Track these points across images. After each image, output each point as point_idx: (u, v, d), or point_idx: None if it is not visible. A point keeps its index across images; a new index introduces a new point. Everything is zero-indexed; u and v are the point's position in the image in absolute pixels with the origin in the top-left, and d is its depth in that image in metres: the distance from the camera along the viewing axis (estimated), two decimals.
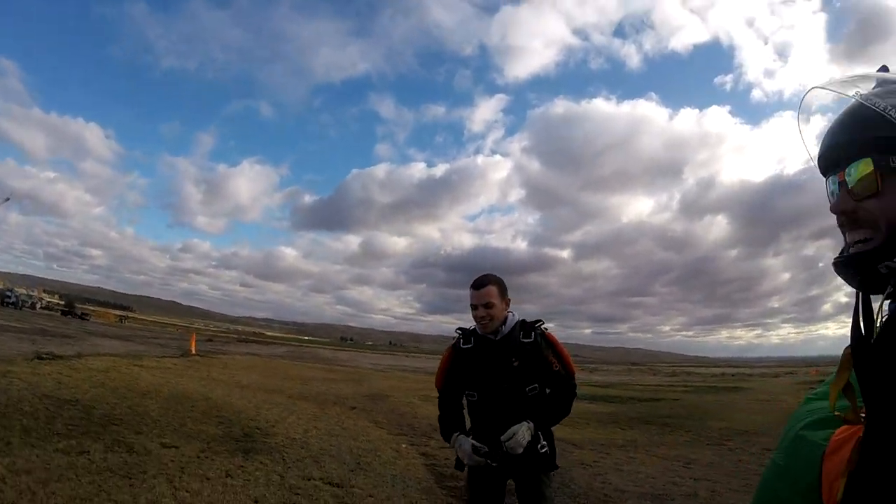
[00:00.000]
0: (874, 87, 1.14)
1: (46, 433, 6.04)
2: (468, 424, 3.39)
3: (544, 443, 3.23)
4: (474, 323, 3.37)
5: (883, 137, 1.07)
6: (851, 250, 1.13)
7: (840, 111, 1.20)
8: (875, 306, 1.11)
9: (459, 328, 3.50)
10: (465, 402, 3.42)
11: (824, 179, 1.26)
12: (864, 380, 1.07)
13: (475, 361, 3.30)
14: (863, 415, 1.07)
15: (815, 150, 1.28)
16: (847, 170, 1.13)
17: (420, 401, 14.94)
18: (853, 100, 1.15)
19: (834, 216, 1.15)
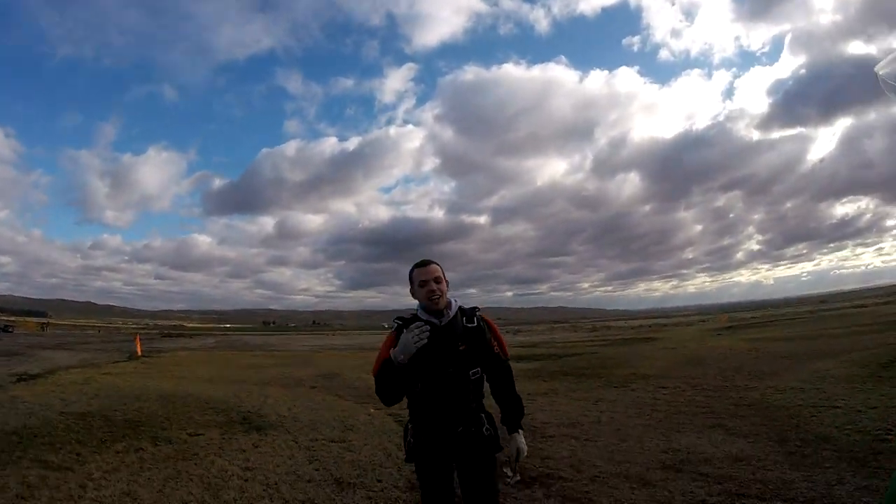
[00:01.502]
0: None
1: (97, 441, 7.15)
2: (410, 419, 3.33)
3: (489, 426, 3.25)
4: (419, 304, 3.30)
5: None
6: None
7: None
8: None
9: (398, 317, 3.34)
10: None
11: None
12: None
13: (421, 348, 3.10)
14: None
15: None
16: None
17: (367, 374, 16.38)
18: None
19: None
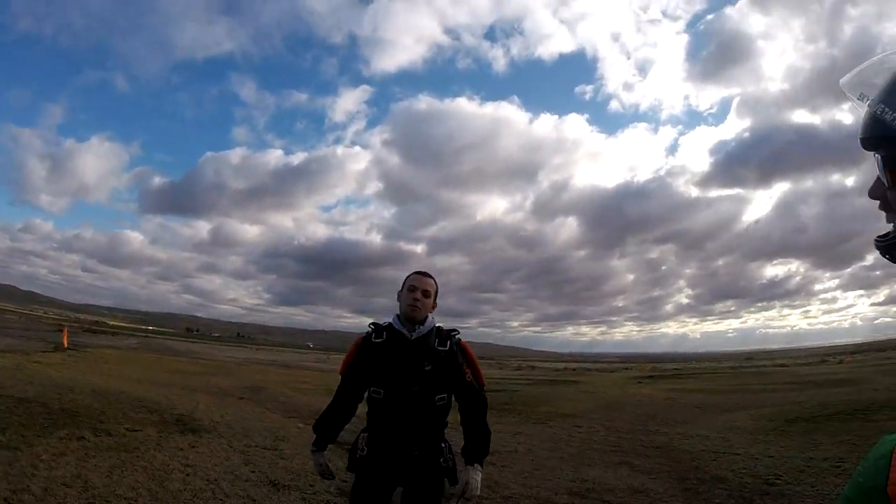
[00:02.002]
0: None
1: (39, 427, 7.39)
2: (366, 427, 3.19)
3: (448, 456, 3.15)
4: (397, 312, 3.23)
5: (884, 137, 1.07)
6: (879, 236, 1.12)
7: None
8: None
9: (373, 322, 3.28)
10: (366, 399, 3.20)
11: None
12: None
13: (385, 357, 3.08)
14: None
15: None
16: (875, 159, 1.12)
17: (293, 391, 16.79)
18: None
19: None
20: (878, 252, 1.10)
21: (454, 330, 3.25)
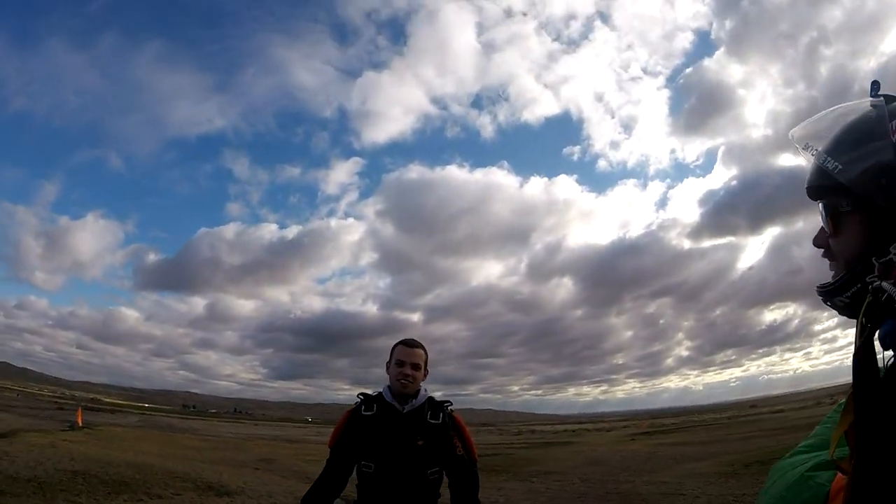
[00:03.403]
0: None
1: (103, 493, 9.12)
2: (354, 498, 3.20)
3: None
4: (388, 384, 3.21)
5: (826, 186, 1.14)
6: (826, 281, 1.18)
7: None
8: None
9: (362, 392, 3.26)
10: (356, 473, 3.17)
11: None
12: (860, 424, 1.06)
13: (376, 431, 3.05)
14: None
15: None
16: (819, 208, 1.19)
17: (302, 462, 18.25)
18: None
19: None
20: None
21: (447, 401, 3.22)
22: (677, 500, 10.29)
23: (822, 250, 1.20)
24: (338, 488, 3.16)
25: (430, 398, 3.22)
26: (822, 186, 1.16)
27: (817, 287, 1.18)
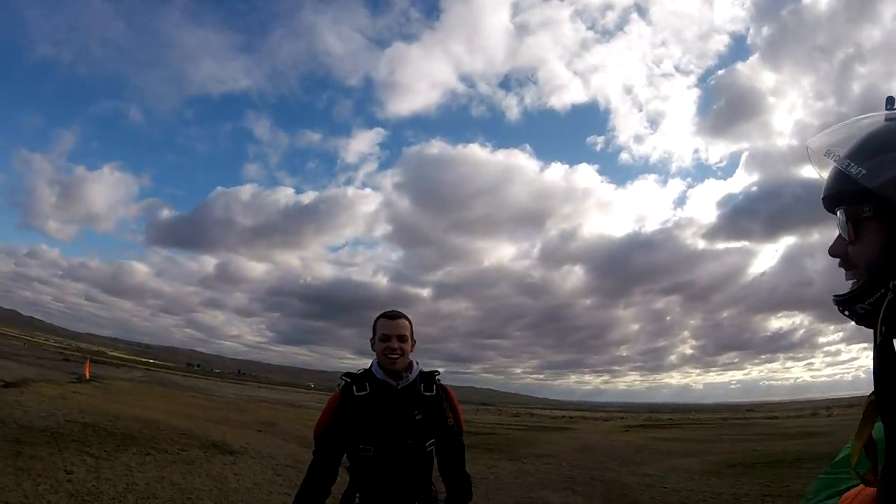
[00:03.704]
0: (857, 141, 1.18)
1: (113, 445, 9.46)
2: (354, 487, 3.04)
3: (439, 501, 3.04)
4: (376, 360, 3.04)
5: (848, 192, 1.15)
6: (843, 291, 1.17)
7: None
8: None
9: (346, 373, 3.06)
10: (348, 458, 3.02)
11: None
12: (890, 429, 1.06)
13: (372, 412, 2.89)
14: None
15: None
16: (838, 217, 1.18)
17: (302, 427, 18.69)
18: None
19: None
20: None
21: (435, 371, 3.13)
22: (657, 492, 10.59)
23: (839, 260, 1.18)
24: (330, 481, 2.98)
25: (421, 370, 3.08)
26: (842, 193, 1.17)
27: (836, 297, 1.17)
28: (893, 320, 1.11)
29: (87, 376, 27.67)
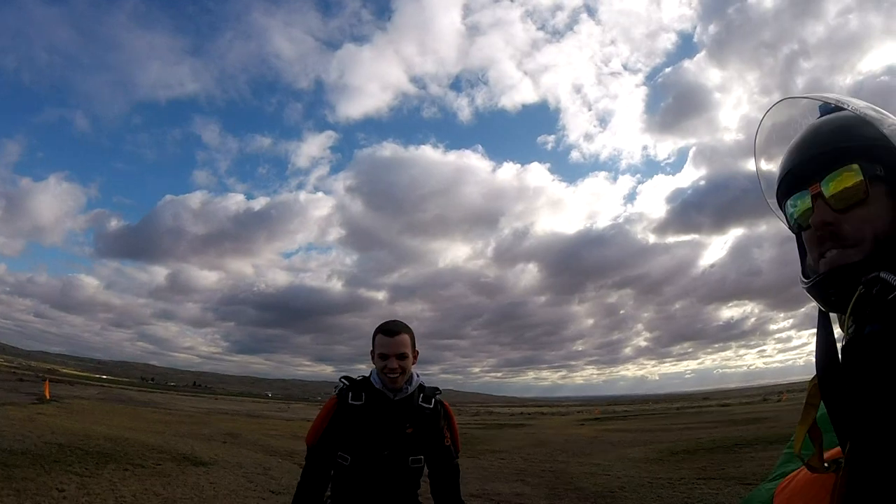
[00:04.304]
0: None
1: (93, 463, 10.17)
2: (333, 497, 2.92)
3: None
4: (371, 371, 2.93)
5: (858, 147, 1.04)
6: (826, 266, 1.05)
7: (803, 127, 1.14)
8: (836, 329, 1.05)
9: (345, 377, 2.94)
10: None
11: (775, 204, 1.20)
12: (835, 413, 0.99)
13: (364, 422, 2.77)
14: (831, 460, 1.00)
15: (768, 174, 1.21)
16: (824, 181, 1.06)
17: (266, 437, 19.42)
18: (821, 112, 1.14)
19: None
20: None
21: (437, 389, 3.03)
22: (601, 479, 11.75)
23: (823, 231, 1.07)
24: (324, 486, 2.92)
25: (421, 384, 2.98)
26: (850, 148, 1.06)
27: (831, 270, 1.05)
28: (863, 313, 1.01)
29: (48, 396, 27.82)
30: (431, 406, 2.94)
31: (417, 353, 2.97)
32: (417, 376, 2.97)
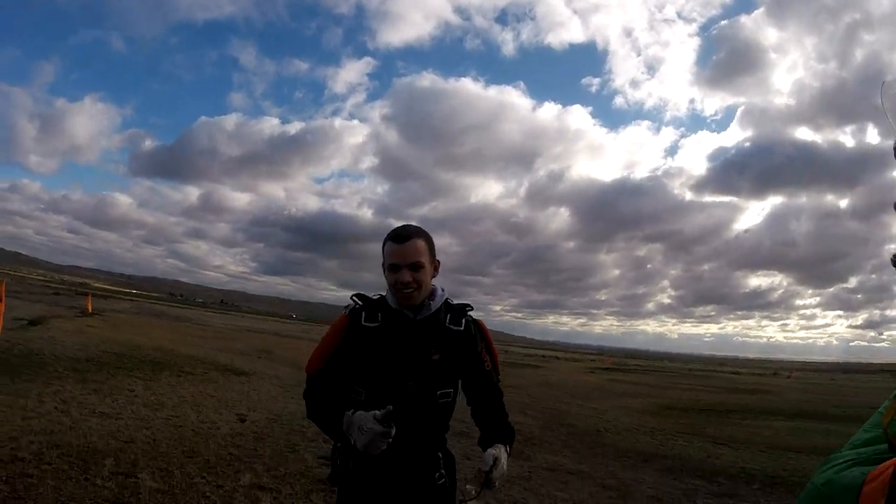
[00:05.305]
0: None
1: (148, 369, 11.53)
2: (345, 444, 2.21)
3: (443, 472, 2.33)
4: (387, 289, 2.29)
5: None
6: None
7: None
8: None
9: (357, 294, 2.32)
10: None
11: None
12: None
13: (380, 347, 2.19)
14: None
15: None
16: None
17: (298, 354, 20.82)
18: None
19: None
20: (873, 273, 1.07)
21: (467, 305, 2.42)
22: (592, 420, 12.83)
23: None
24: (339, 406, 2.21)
25: (447, 300, 2.38)
26: None
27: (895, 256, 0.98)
28: None
29: (90, 310, 29.55)
30: (462, 328, 2.35)
31: (438, 262, 2.37)
32: (442, 291, 2.38)
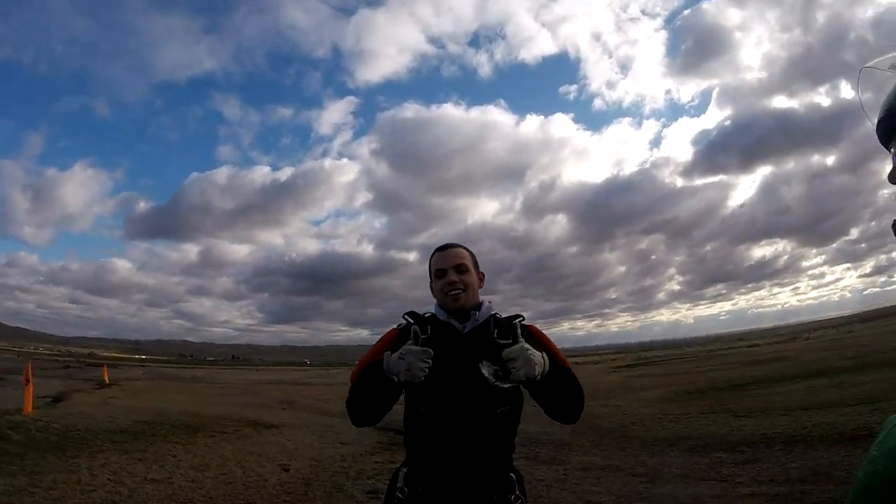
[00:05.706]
0: None
1: (182, 434, 11.77)
2: (407, 460, 2.29)
3: (518, 493, 2.21)
4: (435, 304, 2.38)
5: None
6: None
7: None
8: None
9: (410, 313, 2.36)
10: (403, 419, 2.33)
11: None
12: None
13: (433, 360, 2.11)
14: None
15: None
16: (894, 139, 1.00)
17: (321, 402, 21.10)
18: None
19: None
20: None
21: (517, 316, 2.33)
22: (616, 418, 13.10)
23: None
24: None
25: (495, 315, 2.36)
26: None
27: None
28: None
29: (107, 381, 29.67)
30: (510, 342, 2.17)
31: (483, 275, 2.45)
32: (489, 303, 2.40)
